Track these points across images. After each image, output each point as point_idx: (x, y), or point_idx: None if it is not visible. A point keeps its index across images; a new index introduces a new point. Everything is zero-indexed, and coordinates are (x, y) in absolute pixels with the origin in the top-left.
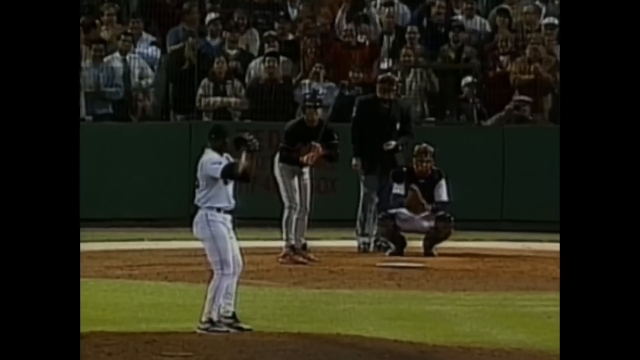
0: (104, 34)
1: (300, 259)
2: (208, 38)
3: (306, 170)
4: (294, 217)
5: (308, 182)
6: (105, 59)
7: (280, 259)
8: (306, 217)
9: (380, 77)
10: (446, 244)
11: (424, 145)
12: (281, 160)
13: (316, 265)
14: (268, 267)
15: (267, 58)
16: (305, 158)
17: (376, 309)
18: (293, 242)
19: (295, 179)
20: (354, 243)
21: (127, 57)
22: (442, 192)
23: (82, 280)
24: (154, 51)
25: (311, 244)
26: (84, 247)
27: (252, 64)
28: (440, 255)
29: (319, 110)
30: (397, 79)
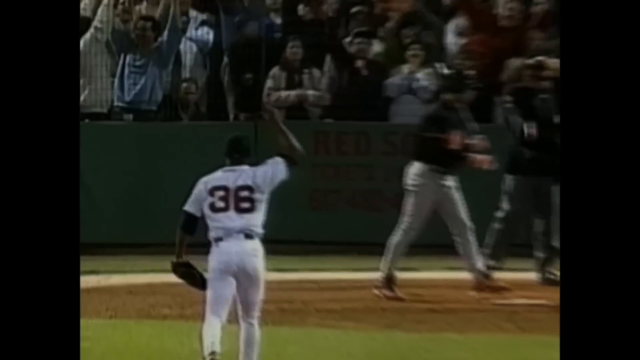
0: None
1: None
2: (277, 16)
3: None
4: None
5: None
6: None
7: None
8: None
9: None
10: None
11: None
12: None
13: (415, 303)
14: (355, 305)
15: (357, 40)
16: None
17: (492, 358)
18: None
19: (434, 191)
20: (462, 275)
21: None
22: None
23: (121, 321)
24: (205, 33)
25: (408, 275)
26: (122, 279)
27: None
28: None
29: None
30: None
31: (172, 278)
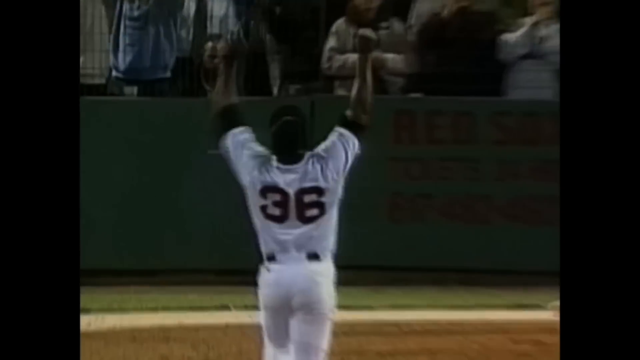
0: None
1: None
2: None
3: None
4: None
5: None
6: None
7: None
8: None
9: None
10: None
11: None
12: None
13: (543, 354)
14: (453, 359)
15: None
16: None
17: None
18: None
19: None
20: None
21: None
22: None
23: None
24: None
25: (536, 314)
26: (122, 321)
27: None
28: None
29: None
30: None
31: (194, 319)
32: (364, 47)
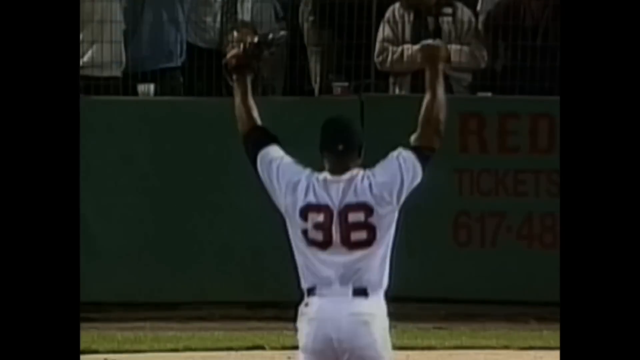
0: None
1: None
2: None
3: None
4: None
5: None
6: None
7: None
8: None
9: None
10: None
11: None
12: None
13: None
14: None
15: None
16: None
17: None
18: None
19: None
20: None
21: None
22: None
23: None
24: None
25: None
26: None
27: None
28: None
29: None
30: None
31: None
32: (431, 58)
